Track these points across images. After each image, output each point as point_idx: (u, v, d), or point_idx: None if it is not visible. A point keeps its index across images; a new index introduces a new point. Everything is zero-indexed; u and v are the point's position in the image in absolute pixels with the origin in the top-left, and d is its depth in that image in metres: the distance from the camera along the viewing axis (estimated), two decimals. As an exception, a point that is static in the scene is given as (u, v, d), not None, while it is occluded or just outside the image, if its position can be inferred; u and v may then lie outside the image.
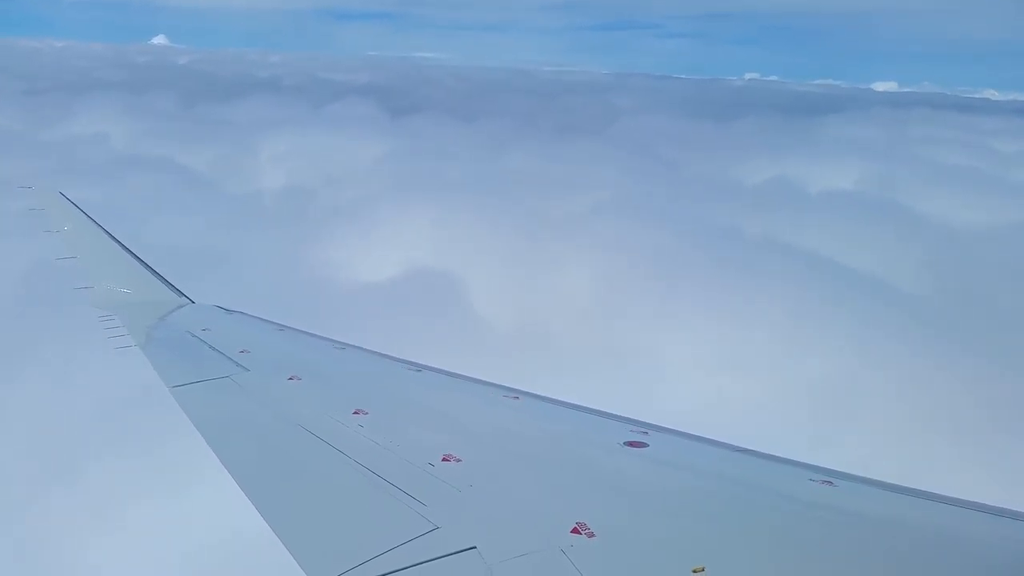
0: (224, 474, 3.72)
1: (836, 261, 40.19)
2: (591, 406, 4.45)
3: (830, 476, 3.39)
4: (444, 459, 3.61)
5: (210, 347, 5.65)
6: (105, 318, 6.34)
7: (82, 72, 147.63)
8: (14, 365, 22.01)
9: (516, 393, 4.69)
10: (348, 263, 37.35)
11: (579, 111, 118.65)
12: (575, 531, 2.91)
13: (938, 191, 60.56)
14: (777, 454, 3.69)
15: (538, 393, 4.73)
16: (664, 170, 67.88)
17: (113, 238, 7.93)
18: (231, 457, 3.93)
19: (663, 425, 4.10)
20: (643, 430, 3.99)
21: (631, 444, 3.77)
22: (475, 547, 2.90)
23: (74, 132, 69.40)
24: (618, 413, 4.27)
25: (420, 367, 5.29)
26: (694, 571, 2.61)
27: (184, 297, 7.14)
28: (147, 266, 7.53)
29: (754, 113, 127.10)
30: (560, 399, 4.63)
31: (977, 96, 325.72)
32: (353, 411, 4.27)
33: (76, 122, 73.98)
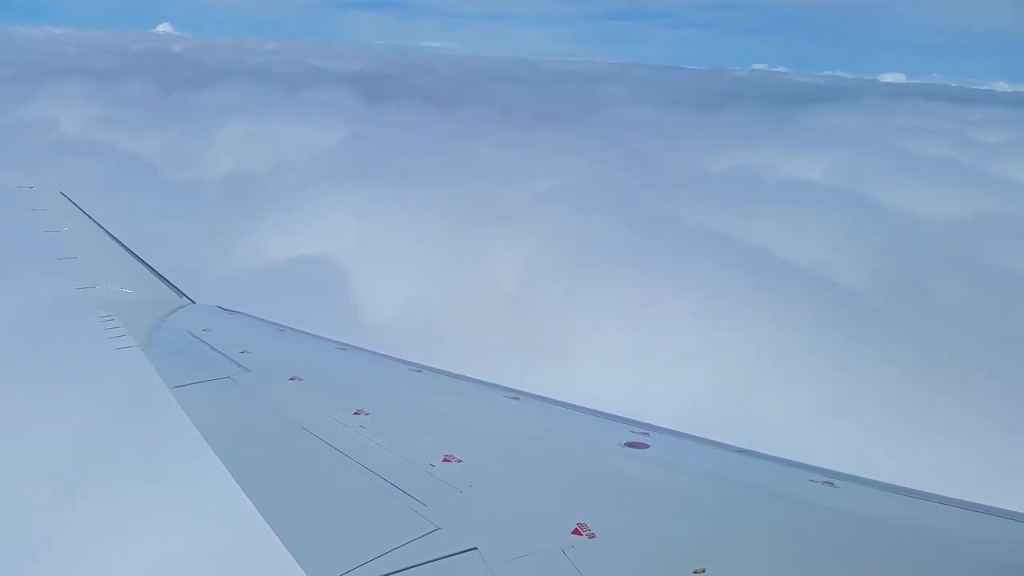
0: (225, 475, 3.73)
1: (769, 250, 39.77)
2: (591, 407, 4.48)
3: (831, 477, 3.42)
4: (445, 459, 3.62)
5: (211, 347, 5.64)
6: (106, 318, 6.32)
7: (70, 59, 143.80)
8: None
9: (516, 394, 4.72)
10: (251, 248, 36.81)
11: (566, 100, 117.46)
12: (576, 532, 2.92)
13: (903, 182, 60.62)
14: (777, 455, 3.73)
15: (538, 394, 4.76)
16: (628, 158, 67.47)
17: (114, 238, 7.90)
18: (232, 458, 3.93)
19: (663, 426, 4.13)
20: (643, 431, 4.01)
21: (631, 445, 3.79)
22: (476, 548, 2.91)
23: (24, 117, 67.44)
24: (617, 414, 4.30)
25: (421, 368, 5.30)
26: (695, 572, 2.63)
27: (185, 297, 7.13)
28: (148, 266, 7.50)
29: (746, 103, 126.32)
30: (560, 400, 4.66)
31: (985, 88, 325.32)
32: (354, 411, 4.28)
33: (32, 108, 71.84)
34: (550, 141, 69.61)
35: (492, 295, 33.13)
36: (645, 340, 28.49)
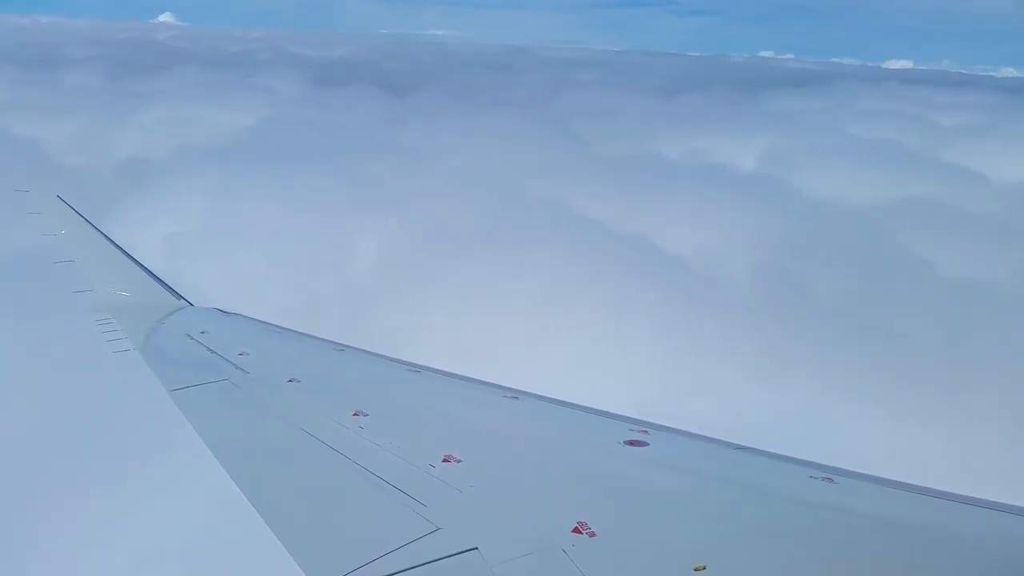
0: (224, 477, 3.73)
1: (648, 238, 39.10)
2: (591, 405, 4.49)
3: (831, 473, 3.42)
4: (444, 460, 3.62)
5: (209, 350, 5.64)
6: (103, 321, 6.32)
7: (43, 48, 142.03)
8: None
9: (515, 393, 4.72)
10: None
11: (536, 87, 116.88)
12: (576, 531, 2.93)
13: (827, 166, 60.65)
14: (777, 452, 3.73)
15: (537, 393, 4.77)
16: (558, 143, 67.01)
17: (111, 241, 7.90)
18: (231, 460, 3.94)
19: (663, 424, 4.15)
20: (643, 429, 4.01)
21: (631, 443, 3.79)
22: (476, 548, 2.91)
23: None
24: (617, 412, 4.31)
25: (419, 368, 5.31)
26: (696, 569, 2.64)
27: (183, 300, 7.12)
28: (145, 269, 7.50)
29: (721, 89, 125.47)
30: (559, 399, 4.67)
31: (991, 74, 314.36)
32: (353, 413, 4.28)
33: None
34: (488, 126, 69.30)
35: (323, 278, 32.28)
36: (466, 328, 27.32)
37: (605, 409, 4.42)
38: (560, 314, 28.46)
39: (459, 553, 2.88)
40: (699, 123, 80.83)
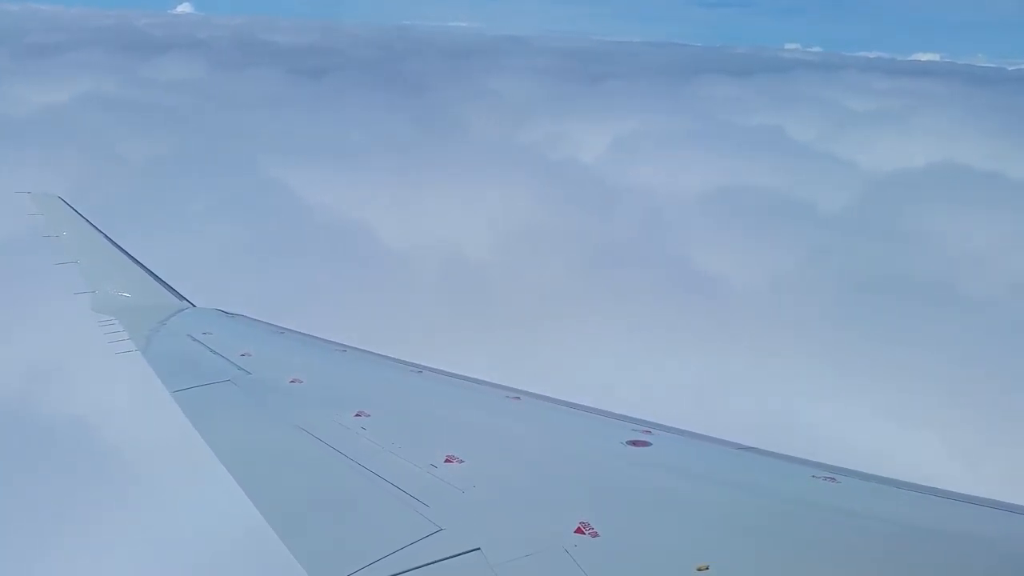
0: (227, 478, 3.75)
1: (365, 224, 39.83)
2: (593, 405, 4.51)
3: (833, 472, 3.42)
4: (447, 460, 3.63)
5: (211, 351, 5.63)
6: (105, 323, 6.31)
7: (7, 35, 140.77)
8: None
9: (517, 393, 4.73)
10: None
11: (471, 73, 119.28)
12: (579, 531, 2.92)
13: (672, 151, 61.99)
14: (779, 451, 3.75)
15: (539, 393, 4.78)
16: (422, 127, 69.06)
17: (112, 242, 7.86)
18: (234, 461, 3.94)
19: (665, 424, 4.16)
20: (645, 429, 4.01)
21: (633, 443, 3.79)
22: (479, 548, 2.91)
23: None
24: (620, 412, 4.33)
25: (421, 368, 5.32)
26: (698, 569, 2.63)
27: (185, 301, 7.12)
28: (147, 270, 7.48)
29: (653, 76, 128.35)
30: (561, 399, 4.67)
31: (993, 66, 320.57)
32: (355, 413, 4.28)
33: None
34: (365, 108, 72.78)
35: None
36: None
37: (608, 409, 4.44)
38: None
39: (461, 554, 2.90)
40: (588, 109, 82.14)
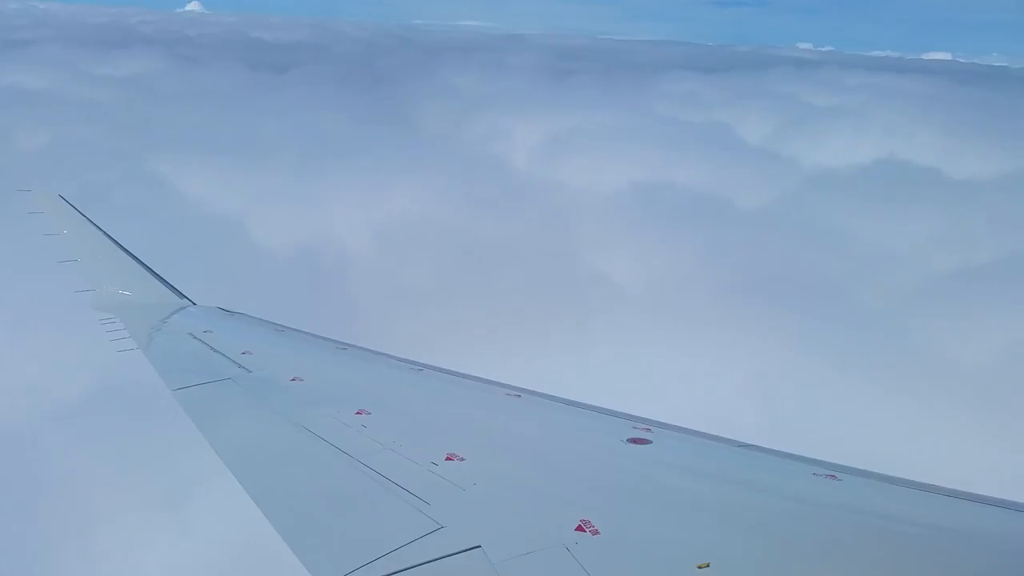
0: (228, 476, 3.77)
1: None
2: (593, 403, 4.52)
3: (833, 470, 3.43)
4: (447, 458, 3.63)
5: (212, 349, 5.64)
6: (106, 321, 6.33)
7: None
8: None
9: (518, 391, 4.74)
10: None
11: (440, 69, 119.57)
12: (579, 529, 2.92)
13: (612, 150, 61.94)
14: (780, 448, 3.77)
15: (539, 391, 4.79)
16: (342, 123, 69.32)
17: (113, 240, 7.88)
18: (234, 459, 3.96)
19: (666, 421, 4.17)
20: (646, 427, 4.02)
21: (634, 441, 3.80)
22: (479, 546, 2.92)
23: None
24: (620, 410, 4.35)
25: (422, 366, 5.33)
26: (699, 567, 2.63)
27: (185, 299, 7.13)
28: (148, 268, 7.51)
29: (624, 73, 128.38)
30: (561, 397, 4.69)
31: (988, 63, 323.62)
32: (356, 411, 4.29)
33: None
34: (305, 104, 74.50)
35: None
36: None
37: (608, 407, 4.47)
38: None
39: (462, 551, 2.90)
40: (536, 106, 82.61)
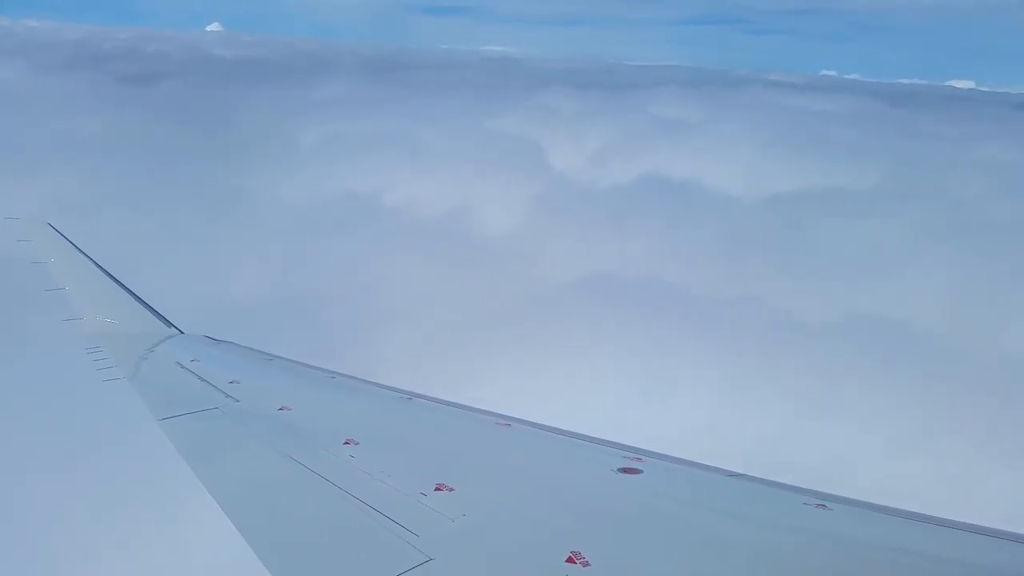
0: (214, 507, 3.71)
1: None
2: (584, 432, 4.51)
3: (824, 499, 3.43)
4: (436, 488, 3.59)
5: (199, 378, 5.58)
6: (93, 349, 6.27)
7: None
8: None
9: (507, 420, 4.72)
10: None
11: (395, 86, 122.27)
12: (570, 560, 2.88)
13: (426, 165, 62.46)
14: (770, 478, 3.77)
15: (529, 420, 4.80)
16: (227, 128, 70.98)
17: (100, 268, 7.90)
18: (221, 490, 3.90)
19: (656, 451, 4.17)
20: (636, 456, 4.01)
21: (624, 471, 3.78)
22: None
23: None
24: (611, 439, 4.35)
25: (411, 395, 5.32)
26: None
27: (173, 327, 7.08)
28: (135, 296, 7.49)
29: (595, 91, 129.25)
30: (551, 426, 4.67)
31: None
32: (344, 441, 4.25)
33: None
34: (233, 109, 77.95)
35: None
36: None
37: (597, 436, 4.47)
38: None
39: None
40: (375, 118, 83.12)
